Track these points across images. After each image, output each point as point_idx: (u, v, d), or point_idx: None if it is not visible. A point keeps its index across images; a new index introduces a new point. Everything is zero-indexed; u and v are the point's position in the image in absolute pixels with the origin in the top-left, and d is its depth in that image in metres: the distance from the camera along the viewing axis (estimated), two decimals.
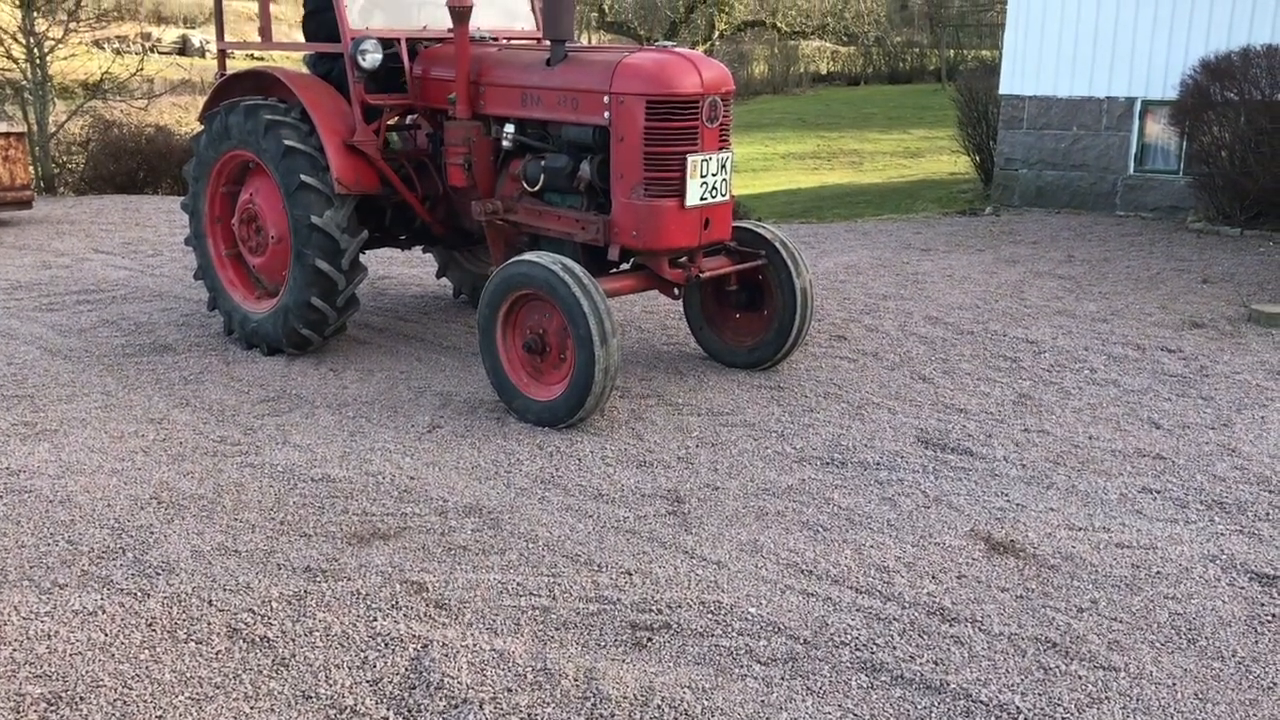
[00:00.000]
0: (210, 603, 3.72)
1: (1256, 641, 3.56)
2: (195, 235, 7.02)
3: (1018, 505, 4.58)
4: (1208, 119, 12.15)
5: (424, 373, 6.36)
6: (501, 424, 5.50)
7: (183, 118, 18.32)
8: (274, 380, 6.21)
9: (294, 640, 3.48)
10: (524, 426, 5.45)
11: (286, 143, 6.12)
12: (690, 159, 5.42)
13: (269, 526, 4.30)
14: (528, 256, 5.41)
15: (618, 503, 4.59)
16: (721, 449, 5.21)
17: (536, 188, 5.91)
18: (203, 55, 25.73)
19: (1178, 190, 13.03)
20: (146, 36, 26.16)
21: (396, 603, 3.72)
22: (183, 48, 26.98)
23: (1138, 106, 13.34)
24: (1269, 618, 3.70)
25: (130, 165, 14.77)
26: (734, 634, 3.58)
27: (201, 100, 8.52)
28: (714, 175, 5.55)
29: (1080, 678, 3.34)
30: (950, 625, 3.64)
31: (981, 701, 3.21)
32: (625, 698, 3.20)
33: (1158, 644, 3.54)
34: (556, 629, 3.59)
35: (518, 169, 6.05)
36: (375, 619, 3.62)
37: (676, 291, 5.98)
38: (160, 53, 25.16)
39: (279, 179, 6.20)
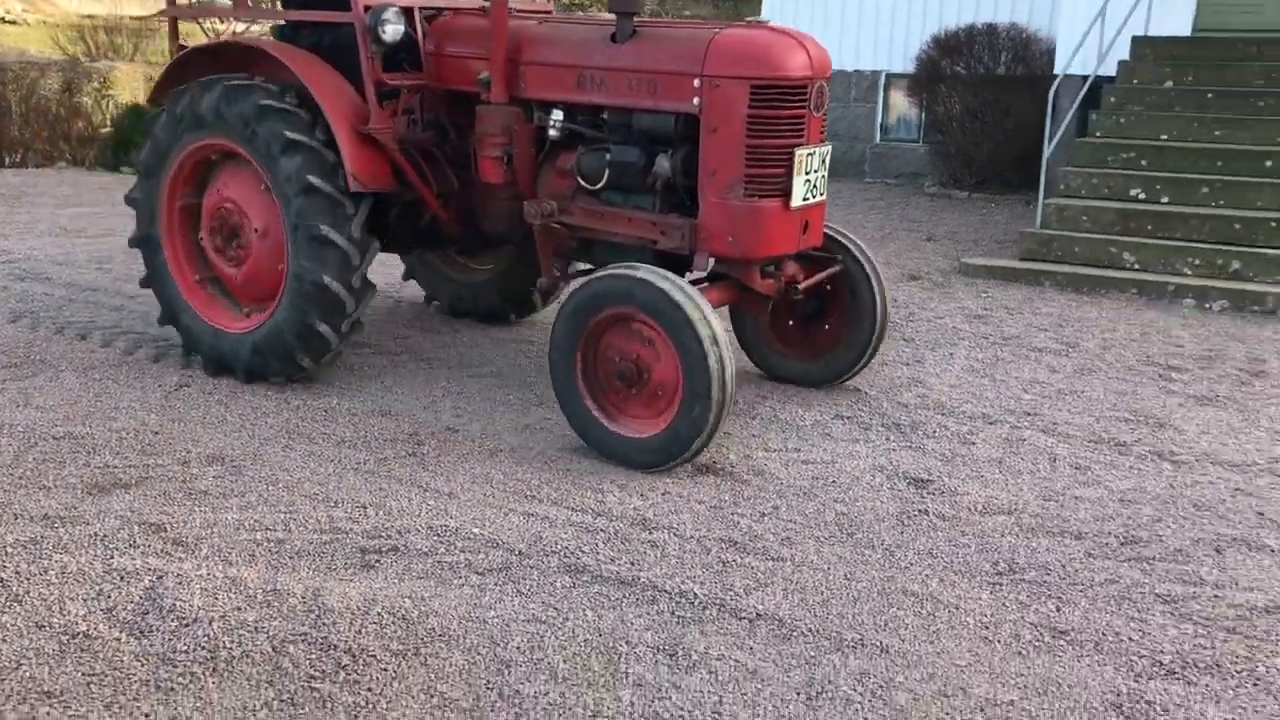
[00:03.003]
0: None
1: (902, 532, 4.19)
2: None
3: (725, 433, 5.12)
4: (940, 91, 13.25)
5: (170, 332, 6.42)
6: (248, 381, 5.68)
7: None
8: (17, 347, 6.16)
9: (28, 579, 3.65)
10: (273, 385, 5.64)
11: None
12: (797, 153, 4.76)
13: (5, 481, 4.39)
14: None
15: (360, 447, 4.89)
16: (465, 397, 5.57)
17: (598, 185, 5.09)
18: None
19: (918, 158, 14.13)
20: None
21: (134, 542, 3.93)
22: None
23: (882, 79, 14.36)
24: (916, 513, 4.35)
25: None
26: (456, 551, 3.95)
27: None
28: (815, 171, 4.91)
29: (752, 568, 3.88)
30: (649, 532, 4.13)
31: (666, 591, 3.70)
32: (348, 609, 3.52)
33: (821, 538, 4.12)
34: (290, 557, 3.88)
35: (568, 163, 5.21)
36: (112, 557, 3.81)
37: (768, 305, 5.33)
38: None
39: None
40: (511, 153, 5.24)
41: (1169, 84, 10.19)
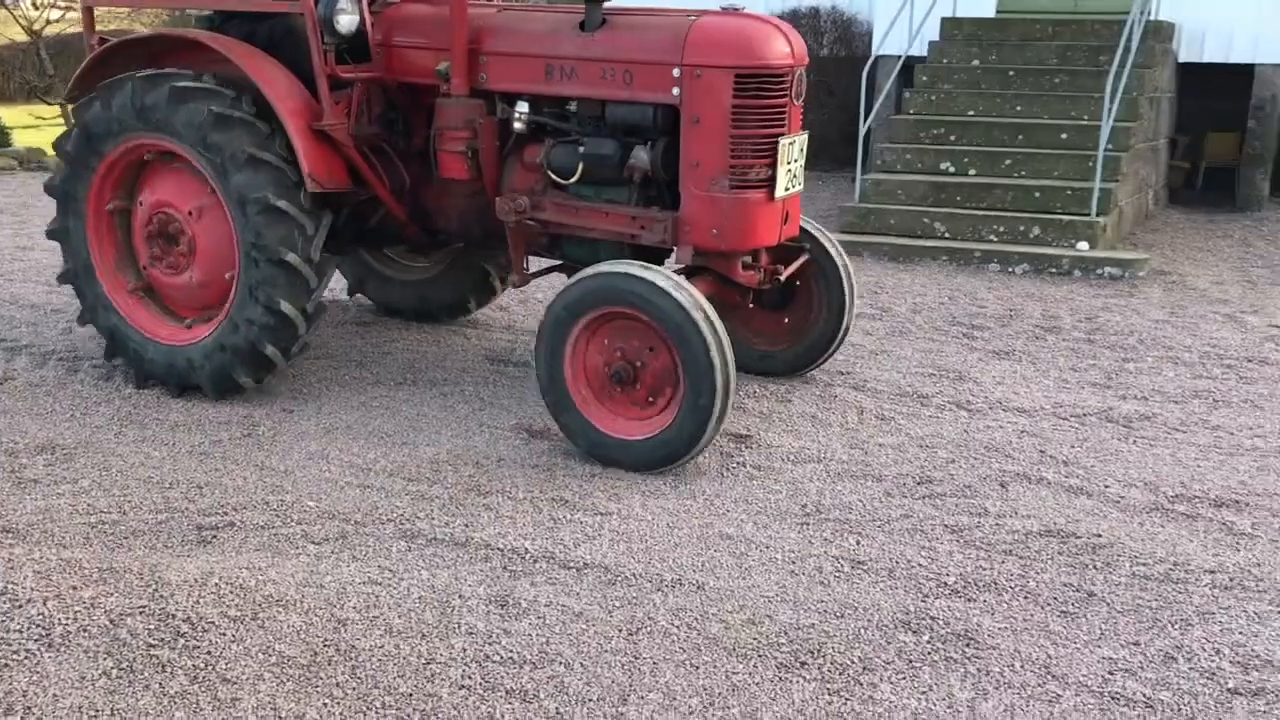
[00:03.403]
0: None
1: (722, 483, 4.49)
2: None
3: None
4: None
5: None
6: (74, 373, 5.63)
7: None
8: None
9: None
10: (99, 375, 5.59)
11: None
12: (780, 142, 4.69)
13: None
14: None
15: (194, 431, 4.93)
16: (300, 379, 5.63)
17: (573, 179, 4.95)
18: None
19: None
20: None
21: None
22: None
23: None
24: (735, 465, 4.66)
25: None
26: (293, 524, 4.07)
27: None
28: (795, 161, 4.86)
29: (582, 523, 4.11)
30: (483, 497, 4.32)
31: (499, 548, 3.90)
32: (186, 581, 3.60)
33: (647, 493, 4.38)
34: (125, 538, 3.93)
35: (536, 156, 5.05)
36: None
37: (748, 298, 5.25)
38: None
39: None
40: (476, 147, 5.05)
41: (976, 63, 10.83)
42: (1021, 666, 3.23)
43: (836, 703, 3.05)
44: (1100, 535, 4.06)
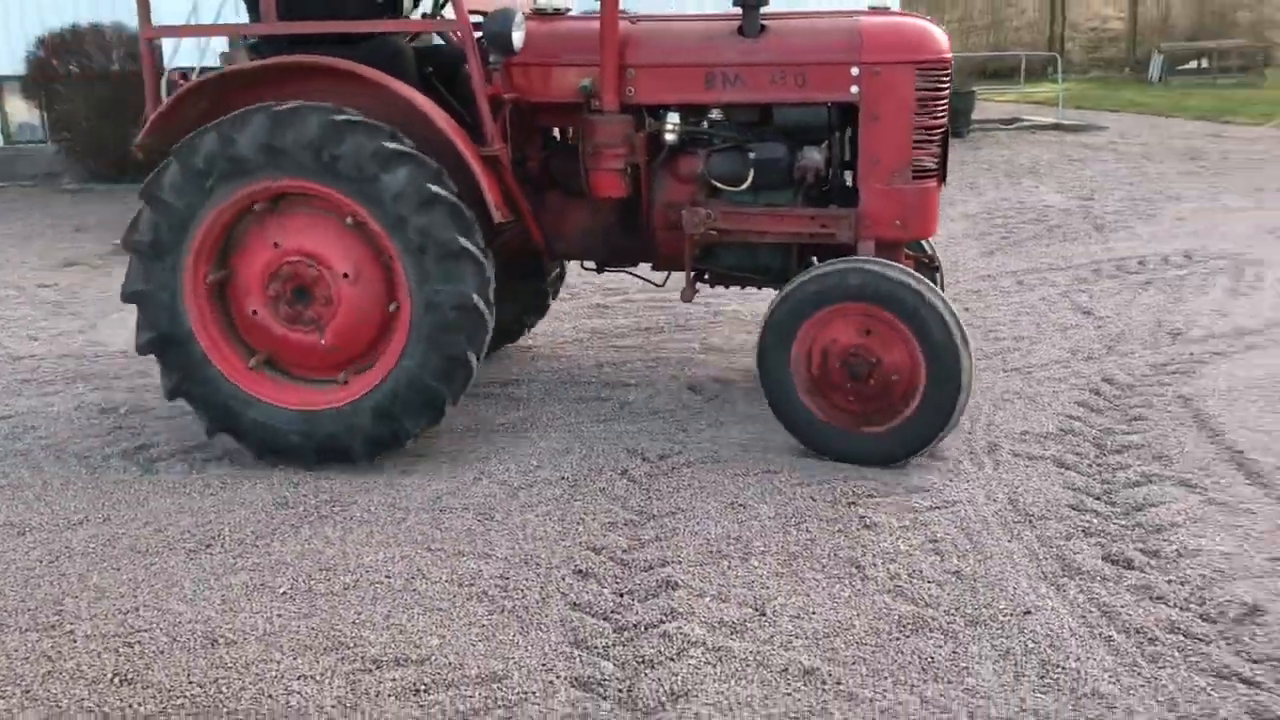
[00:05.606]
0: None
1: (105, 440, 5.07)
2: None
3: None
4: (59, 91, 13.48)
5: None
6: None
7: None
8: None
9: None
10: None
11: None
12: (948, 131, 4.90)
13: None
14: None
15: None
16: None
17: (743, 186, 4.86)
18: None
19: (49, 158, 14.20)
20: None
21: None
22: None
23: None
24: (115, 429, 5.25)
25: None
26: None
27: None
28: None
29: None
30: None
31: None
32: None
33: (35, 468, 4.84)
34: None
35: (692, 167, 4.94)
36: None
37: None
38: None
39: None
40: (635, 163, 4.93)
41: None
42: (375, 509, 4.35)
43: (240, 561, 3.94)
44: None
